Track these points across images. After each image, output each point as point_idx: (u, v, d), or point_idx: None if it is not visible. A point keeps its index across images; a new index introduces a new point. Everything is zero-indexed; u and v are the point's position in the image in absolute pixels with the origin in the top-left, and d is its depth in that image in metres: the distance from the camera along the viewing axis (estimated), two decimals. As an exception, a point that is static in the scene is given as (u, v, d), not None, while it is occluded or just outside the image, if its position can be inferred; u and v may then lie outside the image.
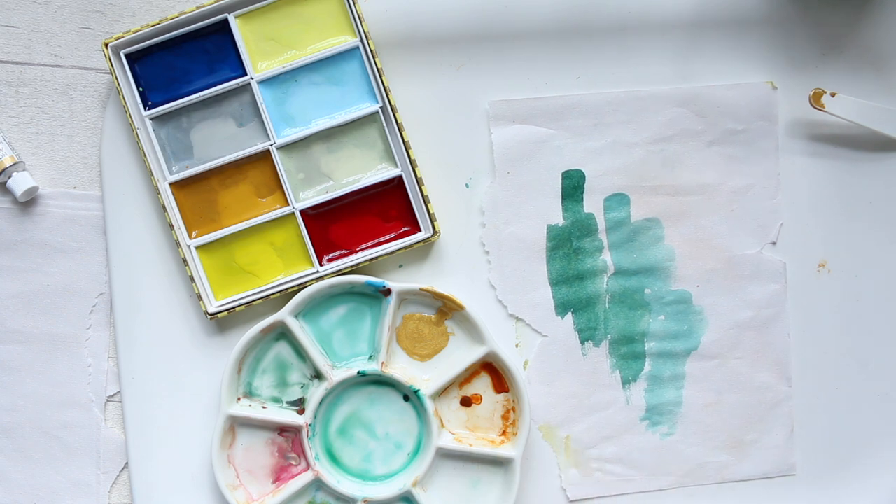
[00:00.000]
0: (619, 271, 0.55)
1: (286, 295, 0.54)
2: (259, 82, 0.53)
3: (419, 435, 0.54)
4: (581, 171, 0.55)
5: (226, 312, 0.53)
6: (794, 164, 0.55)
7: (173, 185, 0.53)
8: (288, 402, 0.54)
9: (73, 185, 0.56)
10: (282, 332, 0.54)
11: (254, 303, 0.53)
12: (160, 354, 0.55)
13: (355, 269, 0.54)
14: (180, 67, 0.53)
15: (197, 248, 0.54)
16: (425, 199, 0.53)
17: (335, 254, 0.54)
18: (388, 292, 0.53)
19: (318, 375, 0.54)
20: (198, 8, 0.53)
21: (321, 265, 0.54)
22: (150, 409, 0.55)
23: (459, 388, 0.54)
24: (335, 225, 0.54)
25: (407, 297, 0.54)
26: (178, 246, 0.53)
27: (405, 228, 0.54)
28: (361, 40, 0.53)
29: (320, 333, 0.54)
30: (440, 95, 0.55)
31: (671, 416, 0.55)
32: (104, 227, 0.55)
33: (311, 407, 0.53)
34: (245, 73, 0.53)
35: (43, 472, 0.55)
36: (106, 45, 0.53)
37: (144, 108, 0.53)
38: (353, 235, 0.54)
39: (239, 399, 0.54)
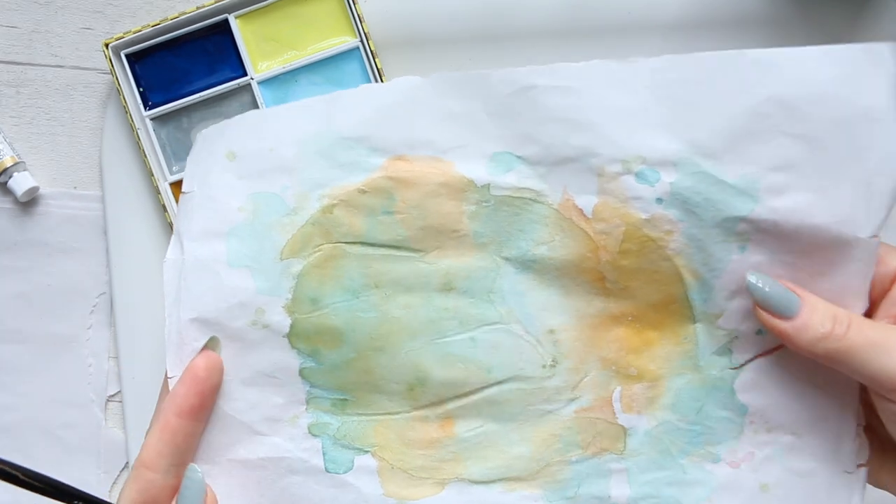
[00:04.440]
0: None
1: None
2: (259, 83, 0.53)
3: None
4: (581, 172, 0.55)
5: (226, 312, 0.53)
6: (794, 164, 0.55)
7: (174, 185, 0.53)
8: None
9: (73, 185, 0.56)
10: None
11: (254, 303, 0.54)
12: (160, 354, 0.55)
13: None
14: (181, 68, 0.54)
15: (197, 248, 0.54)
16: (425, 199, 0.53)
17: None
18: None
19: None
20: (198, 8, 0.53)
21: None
22: (151, 409, 0.55)
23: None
24: (335, 225, 0.54)
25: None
26: (179, 246, 0.53)
27: (405, 228, 0.54)
28: (361, 41, 0.53)
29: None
30: (440, 95, 0.55)
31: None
32: (104, 227, 0.55)
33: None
34: (245, 74, 0.53)
35: (43, 471, 0.55)
36: (106, 45, 0.53)
37: (145, 108, 0.53)
38: (353, 235, 0.54)
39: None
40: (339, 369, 0.41)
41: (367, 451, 0.41)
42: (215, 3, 0.52)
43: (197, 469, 0.37)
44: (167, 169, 0.53)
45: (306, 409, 0.41)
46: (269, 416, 0.40)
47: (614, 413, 0.40)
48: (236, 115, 0.54)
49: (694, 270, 0.39)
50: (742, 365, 0.40)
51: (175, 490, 0.37)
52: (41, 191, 0.56)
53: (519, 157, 0.39)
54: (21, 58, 0.56)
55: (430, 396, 0.41)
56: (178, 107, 0.53)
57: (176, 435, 0.37)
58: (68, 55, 0.56)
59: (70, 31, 0.56)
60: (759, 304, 0.37)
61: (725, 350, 0.40)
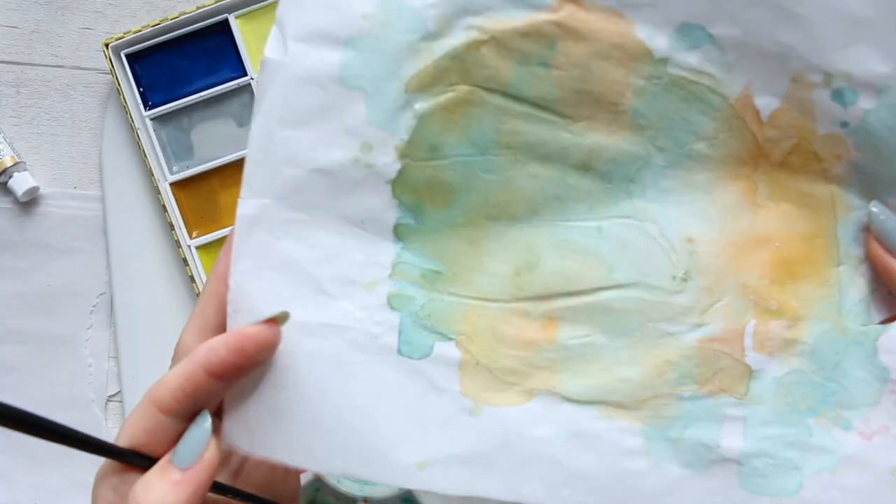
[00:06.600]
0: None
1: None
2: (259, 82, 0.53)
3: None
4: (581, 171, 0.55)
5: (226, 312, 0.53)
6: (795, 164, 0.55)
7: (173, 184, 0.53)
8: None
9: (73, 185, 0.56)
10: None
11: (254, 303, 0.53)
12: (160, 354, 0.55)
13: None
14: (181, 67, 0.54)
15: (197, 248, 0.54)
16: (425, 199, 0.53)
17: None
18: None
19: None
20: (198, 8, 0.53)
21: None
22: (151, 409, 0.55)
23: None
24: (335, 225, 0.54)
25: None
26: (178, 246, 0.53)
27: (405, 228, 0.54)
28: (361, 40, 0.53)
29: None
30: (440, 95, 0.55)
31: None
32: (104, 227, 0.55)
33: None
34: (245, 74, 0.53)
35: (44, 471, 0.55)
36: (106, 45, 0.53)
37: (145, 108, 0.53)
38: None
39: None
40: (442, 233, 0.35)
41: (451, 339, 0.34)
42: (215, 3, 0.52)
43: (208, 418, 0.34)
44: (167, 169, 0.53)
45: (390, 275, 0.34)
46: (343, 274, 0.34)
47: (743, 350, 0.35)
48: (236, 114, 0.54)
49: (848, 204, 0.34)
50: (888, 321, 0.34)
51: (181, 433, 0.35)
52: (41, 191, 0.55)
53: (710, 35, 0.33)
54: (21, 58, 0.56)
55: (538, 287, 0.35)
56: (178, 107, 0.53)
57: (199, 389, 0.33)
58: (68, 55, 0.56)
59: (70, 31, 0.56)
60: (875, 236, 0.32)
61: (867, 302, 0.35)
